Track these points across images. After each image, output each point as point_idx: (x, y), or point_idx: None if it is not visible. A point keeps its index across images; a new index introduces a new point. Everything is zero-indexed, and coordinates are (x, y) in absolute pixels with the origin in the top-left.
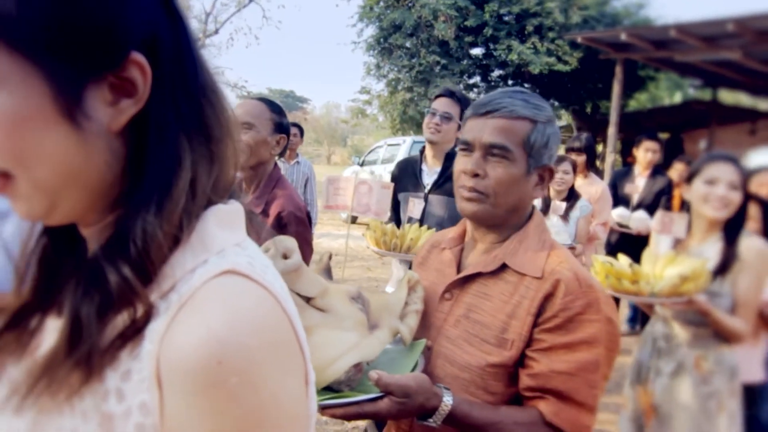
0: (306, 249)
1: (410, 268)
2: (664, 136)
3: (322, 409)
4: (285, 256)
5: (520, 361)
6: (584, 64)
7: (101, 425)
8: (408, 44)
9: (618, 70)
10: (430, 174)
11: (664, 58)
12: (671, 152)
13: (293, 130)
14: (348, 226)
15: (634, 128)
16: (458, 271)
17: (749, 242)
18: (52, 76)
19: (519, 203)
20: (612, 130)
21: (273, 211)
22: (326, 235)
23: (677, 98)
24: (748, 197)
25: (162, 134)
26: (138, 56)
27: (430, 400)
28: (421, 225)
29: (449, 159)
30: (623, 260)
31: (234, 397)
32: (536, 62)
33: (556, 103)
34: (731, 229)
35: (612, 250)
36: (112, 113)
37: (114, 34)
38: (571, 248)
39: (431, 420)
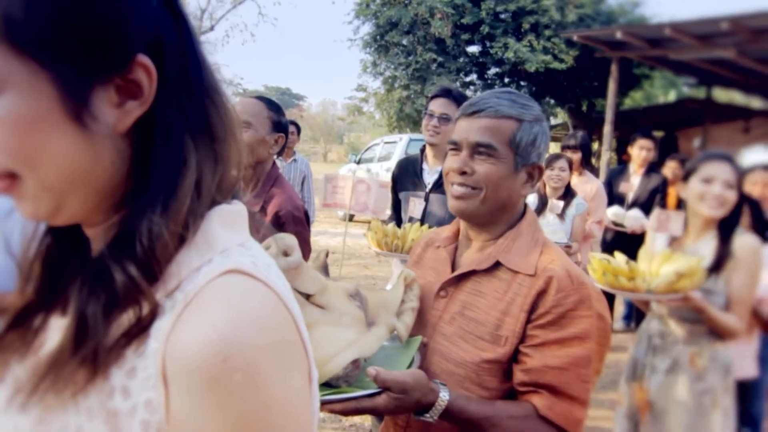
0: (304, 248)
1: None
2: (658, 134)
3: (321, 404)
4: (286, 254)
5: (514, 357)
6: (580, 62)
7: (107, 422)
8: (404, 42)
9: (613, 68)
10: (431, 173)
11: (659, 57)
12: (666, 150)
13: (290, 128)
14: (346, 224)
15: (630, 126)
16: (453, 269)
17: (743, 240)
18: (60, 78)
19: (508, 201)
20: (607, 128)
21: (270, 210)
22: (323, 233)
23: (672, 96)
24: (742, 196)
25: (167, 135)
26: (144, 58)
27: (427, 395)
28: (422, 224)
29: None
30: (620, 257)
31: (239, 394)
32: (532, 60)
33: (552, 101)
34: (726, 227)
35: (607, 248)
36: (118, 115)
37: (120, 36)
38: (567, 247)
39: (428, 415)
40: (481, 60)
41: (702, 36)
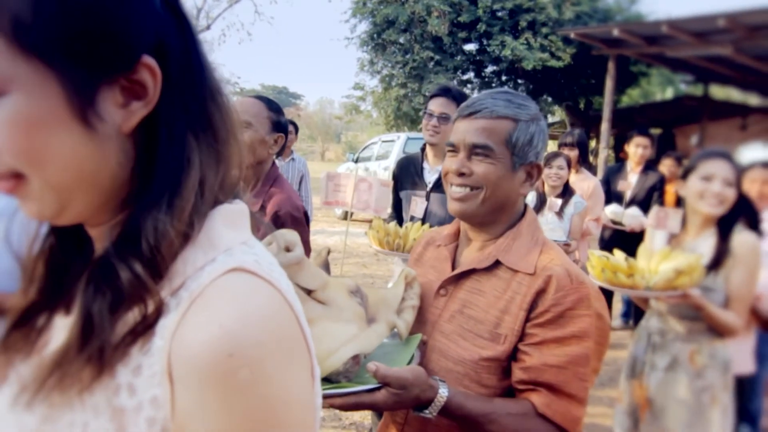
0: (304, 248)
1: None
2: (656, 131)
3: (322, 398)
4: (288, 249)
5: (513, 355)
6: (577, 60)
7: (112, 419)
8: (401, 40)
9: (610, 66)
10: (432, 172)
11: (656, 54)
12: (663, 148)
13: (289, 128)
14: (348, 223)
15: (627, 124)
16: (453, 267)
17: (742, 237)
18: (67, 78)
19: (507, 200)
20: (605, 126)
21: (269, 209)
22: (321, 232)
23: (669, 94)
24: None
25: (171, 135)
26: (149, 60)
27: (426, 392)
28: (423, 224)
29: None
30: (619, 255)
31: (244, 389)
32: (529, 58)
33: (550, 99)
34: (725, 224)
35: (605, 246)
36: (123, 115)
37: (126, 38)
38: (566, 245)
39: (427, 411)
40: (478, 58)
41: (699, 33)
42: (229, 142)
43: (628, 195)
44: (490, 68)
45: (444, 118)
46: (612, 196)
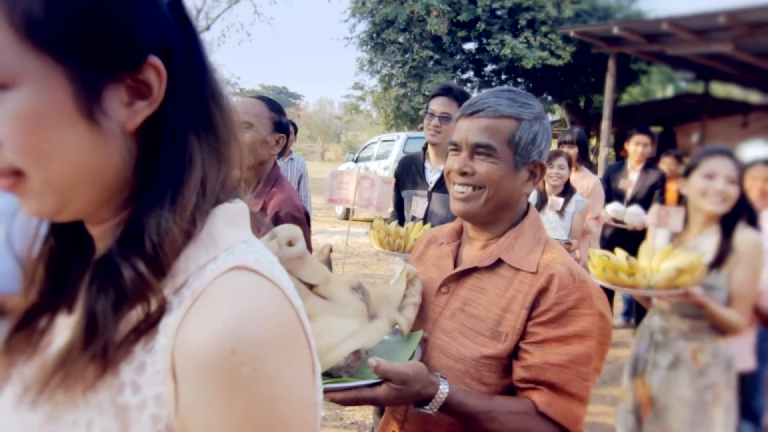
0: None
1: None
2: (656, 129)
3: (323, 392)
4: (290, 244)
5: (514, 353)
6: (577, 59)
7: (116, 417)
8: (401, 39)
9: (611, 64)
10: (433, 172)
11: (656, 52)
12: (664, 146)
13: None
14: (349, 223)
15: (627, 122)
16: (455, 265)
17: (744, 235)
18: (75, 74)
19: (510, 199)
20: (605, 124)
21: (270, 210)
22: (321, 232)
23: (669, 92)
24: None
25: (174, 134)
26: (155, 60)
27: (427, 388)
28: (424, 224)
29: None
30: (620, 254)
31: (247, 385)
32: (529, 57)
33: (550, 98)
34: (728, 222)
35: (607, 245)
36: (128, 113)
37: (133, 37)
38: (567, 244)
39: (427, 408)
40: (477, 57)
41: (699, 31)
42: (230, 143)
43: (629, 193)
44: (489, 67)
45: (445, 118)
46: (613, 194)
